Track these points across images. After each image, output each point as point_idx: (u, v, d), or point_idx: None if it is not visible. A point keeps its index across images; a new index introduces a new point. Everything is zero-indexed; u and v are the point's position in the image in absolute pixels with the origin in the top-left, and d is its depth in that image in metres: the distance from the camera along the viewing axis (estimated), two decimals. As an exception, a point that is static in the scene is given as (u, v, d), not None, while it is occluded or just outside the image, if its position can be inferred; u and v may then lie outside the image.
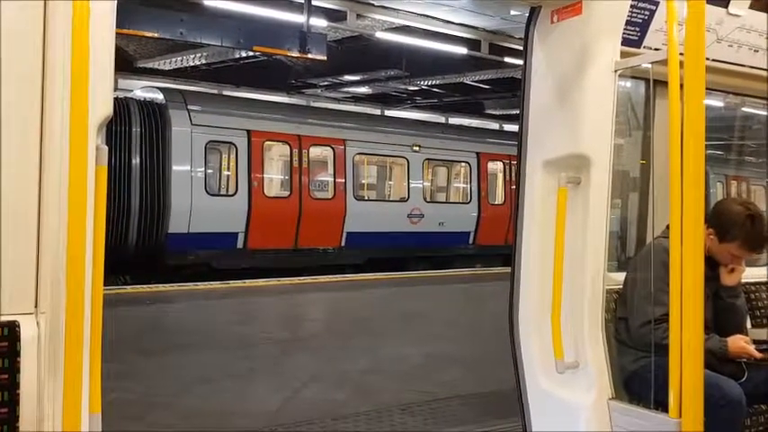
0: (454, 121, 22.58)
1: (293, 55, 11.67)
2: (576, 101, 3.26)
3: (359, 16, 12.66)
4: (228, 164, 13.68)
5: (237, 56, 15.47)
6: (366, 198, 16.09)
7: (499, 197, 17.45)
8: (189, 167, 12.33)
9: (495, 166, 17.42)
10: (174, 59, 16.24)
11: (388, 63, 16.59)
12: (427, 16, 12.64)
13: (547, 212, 3.33)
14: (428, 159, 15.98)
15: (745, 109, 5.15)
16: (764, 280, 3.96)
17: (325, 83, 19.38)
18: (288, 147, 13.84)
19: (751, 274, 3.74)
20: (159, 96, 12.70)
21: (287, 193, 13.87)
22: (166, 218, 12.06)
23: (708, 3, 2.65)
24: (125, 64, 15.66)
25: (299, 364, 6.58)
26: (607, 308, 3.30)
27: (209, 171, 13.16)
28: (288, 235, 13.56)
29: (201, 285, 11.03)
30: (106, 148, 2.18)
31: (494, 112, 23.05)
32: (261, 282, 11.56)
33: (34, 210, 2.16)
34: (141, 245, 12.06)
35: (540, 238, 3.38)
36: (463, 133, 17.76)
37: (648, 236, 3.80)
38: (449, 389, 5.77)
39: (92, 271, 2.08)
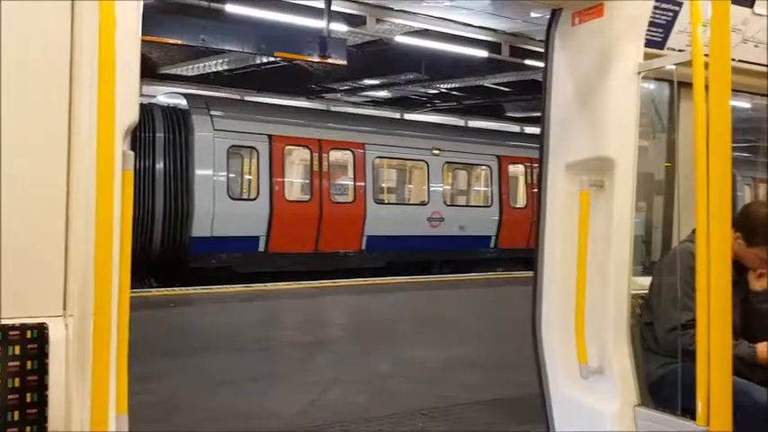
0: (474, 124, 22.52)
1: (314, 60, 11.74)
2: (599, 103, 3.23)
3: (378, 21, 12.70)
4: (250, 168, 13.78)
5: (259, 61, 15.61)
6: (386, 202, 16.10)
7: (521, 200, 17.36)
8: (211, 172, 12.45)
9: (517, 170, 17.34)
10: (196, 65, 16.43)
11: (408, 67, 16.61)
12: (446, 19, 12.64)
13: (569, 216, 3.31)
14: (448, 163, 15.95)
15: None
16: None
17: (345, 87, 19.45)
18: (308, 151, 13.91)
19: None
20: (182, 102, 12.84)
21: (307, 197, 13.93)
22: (190, 222, 12.18)
23: (733, 3, 2.62)
24: (149, 70, 15.87)
25: (321, 367, 6.60)
26: (632, 313, 3.27)
27: (232, 175, 13.27)
28: (308, 238, 13.61)
29: (224, 289, 11.11)
30: (132, 153, 2.21)
31: (514, 115, 22.95)
32: (282, 285, 11.62)
33: (62, 214, 2.20)
34: (165, 248, 12.19)
35: (563, 241, 3.36)
36: (483, 136, 17.71)
37: (674, 240, 3.75)
38: (471, 393, 5.74)
39: (119, 274, 2.11)
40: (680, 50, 3.27)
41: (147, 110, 12.19)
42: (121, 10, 2.03)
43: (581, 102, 3.32)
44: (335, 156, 14.46)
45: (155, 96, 14.06)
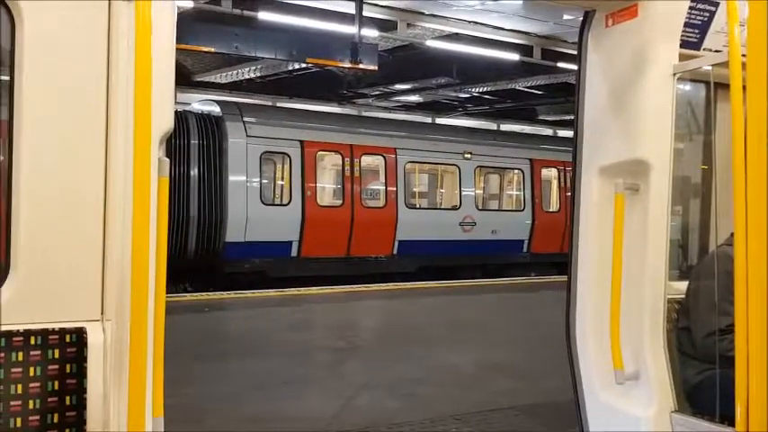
0: (506, 127, 22.40)
1: (345, 66, 11.82)
2: (634, 105, 3.19)
3: (409, 25, 12.73)
4: (282, 174, 13.90)
5: (290, 68, 15.76)
6: (417, 206, 16.08)
7: (554, 204, 17.19)
8: (245, 178, 12.59)
9: (550, 173, 17.19)
10: (229, 73, 16.65)
11: (439, 71, 16.60)
12: (478, 23, 12.61)
13: (604, 220, 3.27)
14: (480, 167, 15.88)
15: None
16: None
17: (377, 92, 19.51)
18: (340, 156, 13.98)
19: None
20: (216, 109, 13.02)
21: (339, 201, 14.00)
22: (224, 227, 12.33)
23: (771, 2, 2.57)
24: (183, 78, 16.14)
25: (353, 372, 6.61)
26: (668, 317, 3.21)
27: (264, 181, 13.39)
28: (340, 243, 13.67)
29: (257, 293, 11.21)
30: (167, 160, 2.24)
31: (547, 118, 22.77)
32: (314, 290, 11.68)
33: (100, 220, 2.25)
34: (200, 253, 12.35)
35: (598, 246, 3.32)
36: (515, 140, 17.59)
37: (712, 243, 3.68)
38: (504, 399, 5.70)
39: (155, 279, 2.15)
40: (716, 51, 3.21)
41: (181, 117, 12.38)
42: (157, 19, 2.07)
43: (615, 104, 3.28)
44: (367, 161, 14.50)
45: (189, 104, 14.28)
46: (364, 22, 11.42)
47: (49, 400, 2.13)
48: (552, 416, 5.04)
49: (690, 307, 3.26)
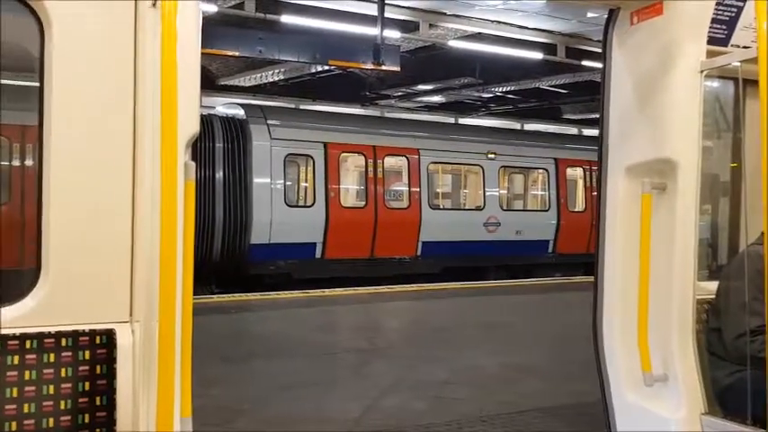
0: (530, 127, 22.27)
1: (367, 67, 11.85)
2: (660, 104, 3.15)
3: (431, 26, 12.72)
4: (306, 176, 13.97)
5: (314, 70, 15.85)
6: (441, 207, 16.04)
7: (579, 204, 17.04)
8: (269, 180, 12.67)
9: (575, 173, 17.04)
10: (253, 76, 16.80)
11: (462, 71, 16.57)
12: (501, 22, 12.56)
13: (631, 220, 3.24)
14: (504, 167, 15.80)
15: None
16: None
17: (399, 93, 19.53)
18: (363, 157, 14.00)
19: None
20: (240, 112, 13.12)
21: (362, 203, 14.02)
22: (249, 229, 12.43)
23: (801, -4, 2.52)
24: (208, 82, 16.32)
25: (378, 373, 6.61)
26: (698, 318, 3.17)
27: (288, 183, 13.47)
28: (364, 245, 13.69)
29: (282, 294, 11.27)
30: (194, 164, 2.27)
31: (572, 117, 22.59)
32: (339, 291, 11.71)
33: (128, 223, 2.28)
34: (226, 255, 12.46)
35: (625, 246, 3.28)
36: (540, 139, 17.47)
37: (742, 243, 3.62)
38: (530, 400, 5.66)
39: (182, 281, 2.17)
40: (745, 47, 3.16)
41: (206, 120, 12.50)
42: (182, 24, 2.10)
43: (641, 102, 3.25)
44: (390, 162, 14.51)
45: (214, 107, 14.42)
46: (386, 23, 11.44)
47: (80, 400, 2.17)
48: (579, 418, 4.99)
49: (720, 308, 3.21)
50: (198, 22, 2.28)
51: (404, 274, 13.82)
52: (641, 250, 3.14)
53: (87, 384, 2.18)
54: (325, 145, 13.33)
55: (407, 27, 12.87)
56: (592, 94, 16.41)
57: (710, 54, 3.12)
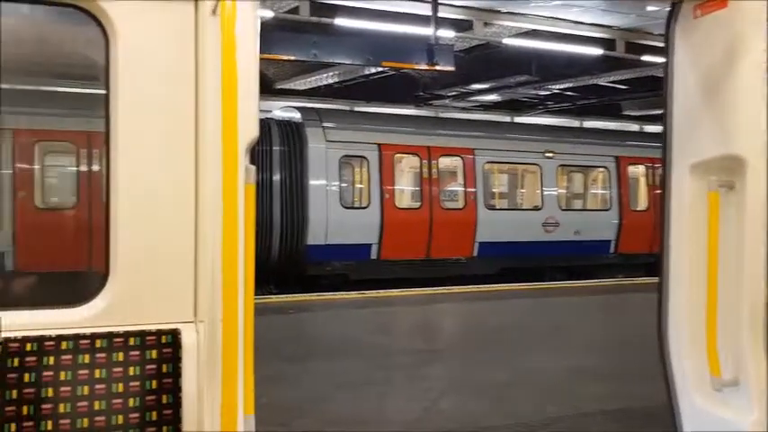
0: (589, 124, 21.81)
1: (421, 68, 11.83)
2: (727, 98, 3.05)
3: (486, 24, 12.62)
4: (361, 177, 14.05)
5: (367, 72, 15.92)
6: (497, 207, 15.88)
7: (642, 203, 16.59)
8: (325, 182, 12.81)
9: (637, 171, 16.61)
10: (308, 79, 17.01)
11: (517, 69, 16.37)
12: (557, 18, 12.35)
13: (697, 219, 3.13)
14: (562, 165, 15.53)
15: None
16: None
17: (453, 93, 19.43)
18: (417, 158, 13.99)
19: None
20: (296, 115, 13.31)
21: (417, 204, 14.01)
22: (305, 230, 12.59)
23: None
24: (265, 86, 16.59)
25: (436, 374, 6.60)
26: (770, 320, 3.04)
27: (344, 185, 13.59)
28: (419, 245, 13.68)
29: (339, 295, 11.37)
30: (254, 167, 2.31)
31: (633, 114, 22.02)
32: (395, 292, 11.73)
33: (192, 226, 2.34)
34: (283, 256, 12.66)
35: (690, 246, 3.18)
36: (600, 137, 17.10)
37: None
38: (593, 403, 5.55)
39: (244, 282, 2.21)
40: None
41: (264, 124, 12.73)
42: (242, 31, 2.14)
43: (706, 97, 3.14)
44: (445, 162, 14.46)
45: (271, 111, 14.66)
46: (440, 22, 11.40)
47: (148, 398, 2.24)
48: (645, 421, 4.86)
49: (794, 309, 3.08)
50: (256, 29, 2.32)
51: (460, 276, 13.74)
52: (709, 250, 3.04)
53: (154, 383, 2.25)
54: (380, 146, 13.38)
55: (461, 26, 12.79)
56: (653, 90, 15.98)
57: (779, 46, 3.00)
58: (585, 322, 9.69)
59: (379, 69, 14.91)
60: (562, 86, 18.11)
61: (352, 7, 11.80)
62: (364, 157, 13.40)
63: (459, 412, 5.37)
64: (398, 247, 13.39)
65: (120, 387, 2.22)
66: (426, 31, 11.41)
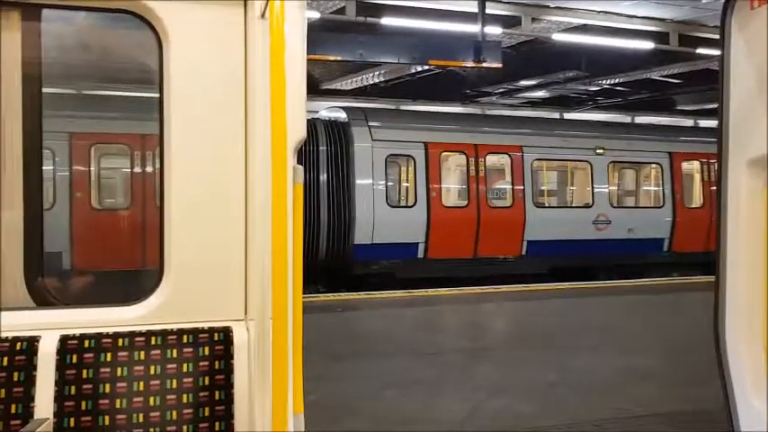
0: (641, 119, 21.31)
1: (468, 65, 11.75)
2: (786, 91, 2.94)
3: (534, 20, 12.46)
4: (407, 176, 14.04)
5: (413, 71, 15.90)
6: (546, 205, 15.67)
7: (697, 200, 16.14)
8: (371, 181, 12.85)
9: (691, 167, 16.16)
10: (354, 79, 17.10)
11: (566, 64, 16.12)
12: (607, 12, 12.12)
13: (754, 216, 3.03)
14: (613, 162, 15.22)
15: None
16: None
17: (501, 90, 19.25)
18: (464, 156, 13.91)
19: None
20: (342, 115, 13.39)
21: (464, 202, 13.93)
22: (352, 230, 12.66)
23: None
24: (311, 87, 16.74)
25: (484, 374, 6.55)
26: (834, 321, 2.93)
27: (390, 184, 13.60)
28: (467, 244, 13.60)
29: (387, 294, 11.40)
30: (301, 167, 2.34)
31: (687, 108, 21.43)
32: (443, 291, 11.69)
33: (242, 227, 2.39)
34: (331, 255, 12.76)
35: (748, 243, 3.08)
36: (652, 132, 16.69)
37: None
38: (646, 406, 5.43)
39: (292, 280, 2.24)
40: None
41: (311, 124, 12.85)
42: (290, 34, 2.17)
43: (763, 91, 3.04)
44: (492, 160, 14.33)
45: (317, 111, 14.80)
46: (487, 19, 11.30)
47: (201, 394, 2.29)
48: (699, 425, 4.73)
49: None
50: (304, 31, 2.34)
51: (509, 275, 13.61)
52: (766, 248, 2.94)
53: (207, 379, 2.30)
54: (426, 145, 13.35)
55: (509, 22, 12.67)
56: (708, 84, 15.52)
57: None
58: (637, 322, 9.48)
59: (426, 68, 14.87)
60: (613, 81, 17.75)
61: (399, 6, 11.80)
62: (411, 156, 13.39)
63: (507, 412, 5.32)
64: (445, 246, 13.34)
65: (174, 383, 2.28)
66: (473, 28, 11.34)
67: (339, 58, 11.39)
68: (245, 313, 2.40)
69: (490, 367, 6.85)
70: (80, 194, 11.06)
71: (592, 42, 13.23)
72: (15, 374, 2.18)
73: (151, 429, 2.23)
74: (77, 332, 2.26)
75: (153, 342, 2.29)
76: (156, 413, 2.25)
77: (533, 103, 21.60)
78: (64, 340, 2.24)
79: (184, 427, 2.25)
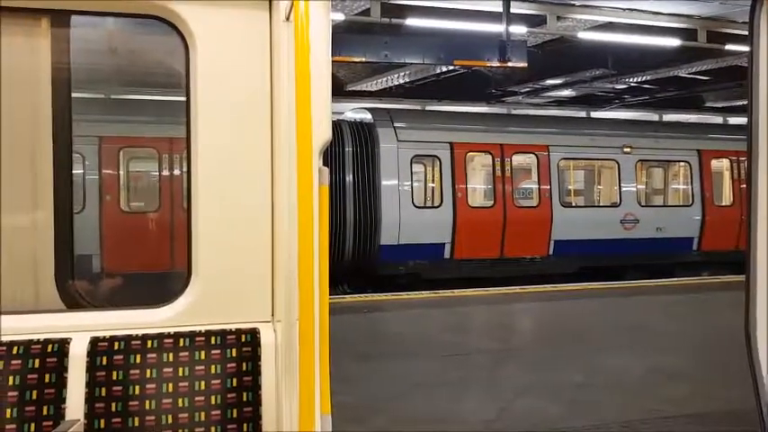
0: (669, 117, 21.01)
1: (493, 65, 11.70)
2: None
3: (559, 18, 12.37)
4: (433, 176, 14.01)
5: (438, 71, 15.87)
6: (573, 204, 15.53)
7: (727, 198, 15.87)
8: (396, 182, 12.85)
9: (721, 164, 15.89)
10: (379, 80, 17.11)
11: (593, 63, 15.97)
12: (633, 10, 11.98)
13: (787, 213, 2.98)
14: (641, 161, 15.03)
15: None
16: None
17: (526, 89, 19.12)
18: (490, 156, 13.85)
19: None
20: (368, 116, 13.41)
21: (491, 202, 13.87)
22: (378, 230, 12.68)
23: None
24: (336, 88, 16.81)
25: (512, 375, 6.52)
26: None
27: (416, 184, 13.59)
28: (493, 244, 13.53)
29: (413, 295, 11.39)
30: (327, 169, 2.35)
31: (716, 105, 21.08)
32: (469, 291, 11.65)
33: (268, 229, 2.41)
34: (357, 256, 12.79)
35: (780, 242, 3.02)
36: (680, 130, 16.46)
37: None
38: (676, 406, 5.35)
39: (318, 282, 2.25)
40: None
41: (336, 126, 12.89)
42: (314, 37, 2.18)
43: (795, 86, 2.98)
44: (518, 159, 14.25)
45: (342, 113, 14.84)
46: (512, 18, 11.24)
47: (229, 396, 2.31)
48: (730, 425, 4.65)
49: None
50: (328, 34, 2.36)
51: (536, 275, 13.52)
52: (800, 247, 2.88)
53: (234, 381, 2.32)
54: (452, 145, 13.32)
55: (534, 21, 12.58)
56: (738, 80, 15.25)
57: None
58: (668, 322, 9.34)
59: (451, 68, 14.84)
60: (640, 79, 17.53)
61: (423, 7, 11.79)
62: (436, 157, 13.37)
63: (535, 413, 5.29)
64: (471, 247, 13.29)
65: (203, 385, 2.30)
66: (498, 27, 11.28)
67: (364, 60, 11.41)
68: (272, 315, 2.41)
69: (518, 368, 6.81)
70: (109, 197, 11.23)
71: (618, 40, 13.08)
72: (47, 376, 2.22)
73: (180, 430, 2.25)
74: (107, 334, 2.30)
75: (181, 344, 2.31)
76: (185, 414, 2.27)
77: (560, 102, 21.42)
78: (94, 342, 2.28)
79: (212, 429, 2.27)
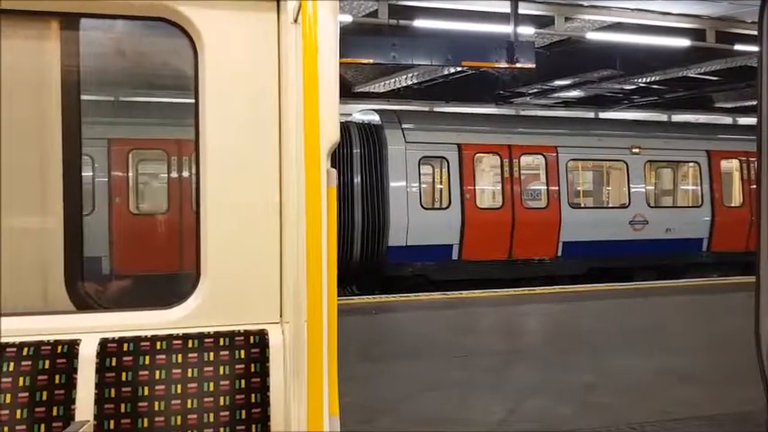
0: (678, 118, 20.92)
1: (501, 66, 11.69)
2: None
3: (567, 19, 12.35)
4: (441, 178, 14.00)
5: (446, 72, 15.87)
6: (582, 205, 15.48)
7: (736, 199, 15.78)
8: (404, 183, 12.85)
9: (730, 165, 15.81)
10: (387, 81, 17.13)
11: (601, 63, 15.92)
12: (642, 10, 11.94)
13: (797, 214, 2.95)
14: (650, 161, 14.97)
15: None
16: None
17: (534, 90, 19.09)
18: (498, 157, 13.82)
19: None
20: (375, 118, 13.42)
21: (499, 203, 13.84)
22: (386, 232, 12.68)
23: None
24: (344, 90, 16.81)
25: (520, 376, 6.50)
26: None
27: (424, 185, 13.58)
28: (502, 246, 13.51)
29: (421, 296, 11.38)
30: (335, 170, 2.36)
31: (725, 106, 20.97)
32: (478, 293, 11.63)
33: (276, 230, 2.41)
34: (365, 258, 12.79)
35: (790, 242, 3.00)
36: (690, 131, 16.38)
37: None
38: (684, 408, 5.32)
39: (326, 283, 2.26)
40: None
41: (344, 127, 12.90)
42: (322, 38, 2.19)
43: (805, 86, 2.96)
44: (526, 161, 14.23)
45: (350, 114, 14.85)
46: (520, 19, 11.22)
47: (237, 397, 2.31)
48: (741, 427, 4.63)
49: None
50: (336, 36, 2.36)
51: (545, 276, 13.48)
52: (810, 247, 2.86)
53: (243, 382, 2.32)
54: (460, 146, 13.31)
55: (542, 22, 12.56)
56: (747, 81, 15.17)
57: None
58: (677, 323, 9.30)
59: (459, 69, 14.84)
60: (648, 80, 17.47)
61: (431, 8, 11.79)
62: (444, 158, 13.36)
63: (544, 414, 5.27)
64: (480, 248, 13.27)
65: (211, 386, 2.31)
66: (506, 28, 11.27)
67: (372, 61, 11.43)
68: (281, 316, 2.42)
69: (526, 369, 6.79)
70: (119, 200, 11.28)
71: (626, 41, 13.04)
72: (56, 377, 2.23)
73: (188, 431, 2.26)
74: (116, 335, 2.31)
75: (190, 345, 2.32)
76: (194, 415, 2.28)
77: (568, 103, 21.37)
78: (103, 343, 2.29)
79: (221, 430, 2.28)
